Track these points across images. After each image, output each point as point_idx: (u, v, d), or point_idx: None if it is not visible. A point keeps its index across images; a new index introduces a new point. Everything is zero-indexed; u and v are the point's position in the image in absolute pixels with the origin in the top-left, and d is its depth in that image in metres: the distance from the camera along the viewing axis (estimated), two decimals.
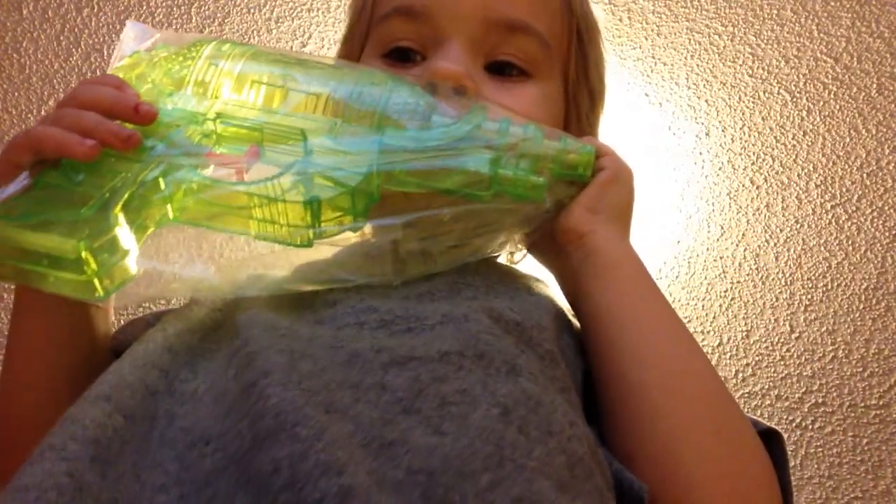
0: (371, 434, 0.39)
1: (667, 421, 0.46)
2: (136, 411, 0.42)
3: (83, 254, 0.44)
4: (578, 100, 0.62)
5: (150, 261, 0.49)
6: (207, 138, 0.49)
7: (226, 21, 1.38)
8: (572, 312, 0.55)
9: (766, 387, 1.50)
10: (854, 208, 1.42)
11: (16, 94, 1.41)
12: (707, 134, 1.41)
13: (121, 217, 0.46)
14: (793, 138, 1.40)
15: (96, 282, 0.46)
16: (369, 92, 0.50)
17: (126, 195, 0.46)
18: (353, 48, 0.63)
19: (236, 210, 0.48)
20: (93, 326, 0.55)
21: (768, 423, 0.51)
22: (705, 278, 1.47)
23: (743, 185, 1.42)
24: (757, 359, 1.49)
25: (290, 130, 0.49)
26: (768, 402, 1.50)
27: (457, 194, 0.49)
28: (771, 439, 0.49)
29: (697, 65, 1.38)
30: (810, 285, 1.46)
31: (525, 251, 0.61)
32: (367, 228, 0.50)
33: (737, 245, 1.45)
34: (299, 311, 0.49)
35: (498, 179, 0.49)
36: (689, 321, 1.48)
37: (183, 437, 0.41)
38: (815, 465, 1.50)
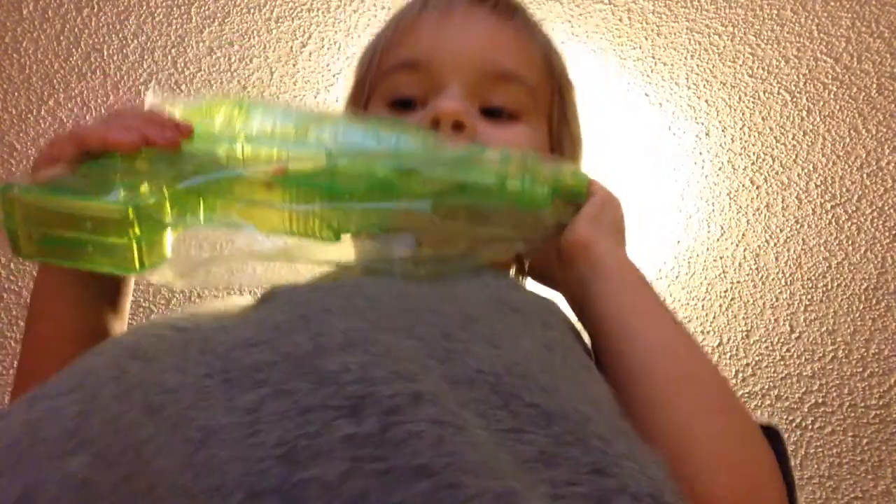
0: (436, 347, 0.41)
1: (676, 411, 0.48)
2: (166, 342, 0.43)
3: (130, 213, 0.46)
4: (562, 144, 0.68)
5: (185, 247, 0.51)
6: (236, 159, 0.53)
7: (226, 21, 1.38)
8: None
9: (766, 387, 1.50)
10: (854, 208, 1.42)
11: (16, 94, 1.41)
12: (707, 134, 1.41)
13: (164, 190, 0.48)
14: (793, 138, 1.40)
15: (136, 250, 0.47)
16: (382, 132, 0.56)
17: (167, 177, 0.49)
18: (359, 101, 0.67)
19: (267, 204, 0.51)
20: (108, 333, 0.57)
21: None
22: (705, 278, 1.47)
23: (743, 185, 1.42)
24: (757, 359, 1.49)
25: (313, 151, 0.53)
26: (768, 402, 1.50)
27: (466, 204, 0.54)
28: (770, 436, 0.51)
29: (697, 65, 1.38)
30: (810, 285, 1.46)
31: (526, 275, 0.66)
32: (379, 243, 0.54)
33: (737, 245, 1.45)
34: (334, 279, 0.52)
35: (505, 190, 0.54)
36: (689, 321, 1.48)
37: (224, 344, 0.41)
38: (815, 465, 1.50)
